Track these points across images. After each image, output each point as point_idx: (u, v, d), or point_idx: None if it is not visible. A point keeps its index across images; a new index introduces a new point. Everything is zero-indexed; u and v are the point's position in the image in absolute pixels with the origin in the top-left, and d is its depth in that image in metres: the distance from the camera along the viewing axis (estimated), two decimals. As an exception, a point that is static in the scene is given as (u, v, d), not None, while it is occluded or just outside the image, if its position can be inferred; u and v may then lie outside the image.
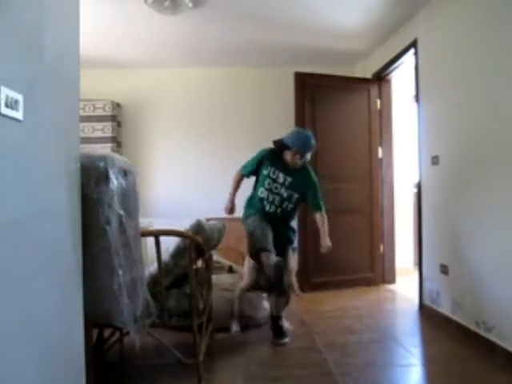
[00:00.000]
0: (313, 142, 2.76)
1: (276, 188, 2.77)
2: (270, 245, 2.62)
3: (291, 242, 2.91)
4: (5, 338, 0.99)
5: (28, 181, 1.11)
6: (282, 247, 2.78)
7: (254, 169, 2.85)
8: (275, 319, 2.76)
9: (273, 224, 2.76)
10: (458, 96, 2.83)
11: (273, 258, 2.55)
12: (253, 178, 2.94)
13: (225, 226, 2.55)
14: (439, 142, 3.08)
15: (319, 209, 2.83)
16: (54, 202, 1.24)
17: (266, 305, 3.03)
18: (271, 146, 2.86)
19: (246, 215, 2.89)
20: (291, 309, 2.94)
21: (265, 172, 2.79)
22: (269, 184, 2.78)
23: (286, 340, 2.68)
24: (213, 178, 4.68)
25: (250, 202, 2.92)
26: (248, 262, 2.86)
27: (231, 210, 2.92)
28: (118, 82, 4.61)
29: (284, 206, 2.79)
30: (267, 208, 2.79)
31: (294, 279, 3.04)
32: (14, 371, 1.03)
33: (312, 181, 2.83)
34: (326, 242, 2.78)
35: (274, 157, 2.80)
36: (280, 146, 2.79)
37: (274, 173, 2.77)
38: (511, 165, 2.31)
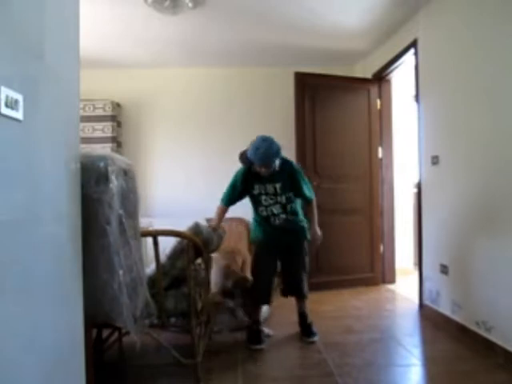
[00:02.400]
0: (271, 150, 2.50)
1: (272, 199, 2.69)
2: (266, 292, 2.72)
3: (306, 238, 2.82)
4: (5, 338, 0.98)
5: (28, 181, 1.11)
6: (297, 250, 2.78)
7: (234, 195, 2.74)
8: (304, 318, 2.81)
9: (287, 239, 2.75)
10: (458, 96, 2.83)
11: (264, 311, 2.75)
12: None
13: (225, 231, 2.56)
14: (439, 141, 3.08)
15: (308, 201, 2.77)
16: (53, 202, 1.24)
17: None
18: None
19: (253, 239, 2.91)
20: (291, 309, 2.94)
21: (255, 192, 2.71)
22: (265, 200, 2.70)
23: (262, 346, 2.63)
24: (213, 177, 4.67)
25: (256, 224, 2.86)
26: (215, 265, 2.81)
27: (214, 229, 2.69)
28: (118, 82, 4.61)
29: (288, 208, 2.74)
30: (275, 222, 2.73)
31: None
32: (14, 371, 1.03)
33: (295, 173, 2.70)
34: (316, 230, 2.76)
35: (251, 173, 2.67)
36: (247, 163, 2.65)
37: (261, 187, 2.68)
38: (511, 164, 2.31)
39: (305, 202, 2.81)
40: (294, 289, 2.81)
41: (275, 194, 2.68)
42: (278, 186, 2.66)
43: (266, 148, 2.50)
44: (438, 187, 3.09)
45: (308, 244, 2.83)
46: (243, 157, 2.66)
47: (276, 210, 2.71)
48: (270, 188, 2.67)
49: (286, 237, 2.75)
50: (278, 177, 2.65)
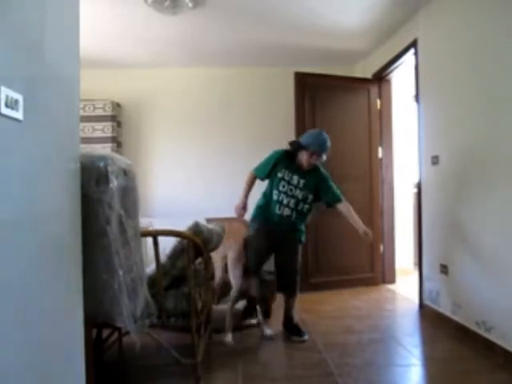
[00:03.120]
0: (329, 143, 2.73)
1: (291, 190, 2.73)
2: (259, 266, 2.80)
3: (301, 242, 2.89)
4: (5, 338, 0.98)
5: (28, 181, 1.11)
6: (292, 249, 2.81)
7: (268, 172, 2.80)
8: (291, 318, 2.85)
9: (283, 231, 2.77)
10: (457, 96, 2.83)
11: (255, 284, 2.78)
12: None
13: (224, 230, 2.56)
14: (439, 142, 3.08)
15: (339, 200, 2.80)
16: (54, 202, 1.24)
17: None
18: (275, 147, 2.89)
19: (253, 218, 2.92)
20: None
21: (279, 175, 2.76)
22: (283, 187, 2.74)
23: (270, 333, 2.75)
24: (213, 177, 4.68)
25: (260, 207, 2.88)
26: (217, 262, 2.87)
27: (242, 210, 2.82)
28: (118, 82, 4.61)
29: (299, 207, 2.77)
30: (282, 211, 2.75)
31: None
32: (14, 371, 1.03)
33: (323, 177, 2.80)
34: (362, 228, 2.77)
35: (287, 158, 2.78)
36: (296, 147, 2.76)
37: (288, 175, 2.74)
38: (511, 164, 2.31)
39: (334, 203, 2.82)
40: (287, 286, 2.83)
41: (296, 186, 2.74)
42: (302, 181, 2.74)
43: (325, 139, 2.72)
44: (438, 187, 3.09)
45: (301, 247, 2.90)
46: (293, 144, 2.80)
47: (286, 200, 2.75)
48: (295, 179, 2.74)
49: (283, 229, 2.77)
50: (307, 174, 2.76)
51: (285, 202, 2.75)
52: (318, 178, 2.79)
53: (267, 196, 2.84)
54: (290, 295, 2.86)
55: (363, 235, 2.76)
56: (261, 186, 2.97)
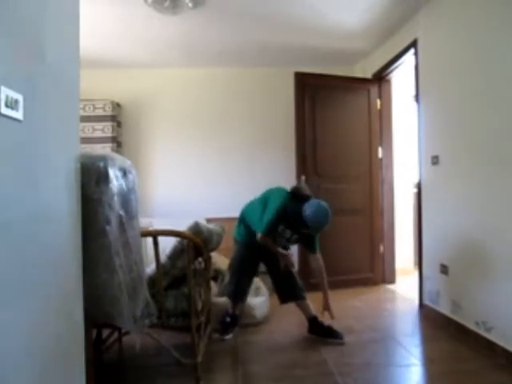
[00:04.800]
0: (328, 221, 2.55)
1: (280, 242, 2.74)
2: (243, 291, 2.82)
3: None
4: (5, 338, 0.98)
5: (28, 181, 1.11)
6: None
7: (274, 229, 2.66)
8: (317, 322, 2.79)
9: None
10: (457, 96, 2.83)
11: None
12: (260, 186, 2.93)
13: (224, 230, 2.55)
14: (439, 142, 3.08)
15: (314, 250, 2.78)
16: (54, 202, 1.24)
17: (263, 304, 3.06)
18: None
19: (237, 239, 2.90)
20: (291, 308, 2.94)
21: (278, 230, 2.73)
22: (274, 237, 2.71)
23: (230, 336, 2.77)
24: (213, 177, 4.68)
25: (246, 233, 2.83)
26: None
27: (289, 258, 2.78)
28: (118, 82, 4.61)
29: (287, 246, 2.85)
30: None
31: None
32: (15, 371, 1.03)
33: (313, 235, 2.74)
34: (329, 306, 2.75)
35: (285, 214, 2.61)
36: (297, 213, 2.56)
37: (283, 230, 2.70)
38: (511, 164, 2.31)
39: (309, 252, 2.83)
40: (289, 294, 2.81)
41: (288, 240, 2.76)
42: (294, 237, 2.74)
43: (326, 223, 2.55)
44: (438, 187, 3.09)
45: None
46: (297, 195, 2.66)
47: (277, 244, 2.76)
48: (288, 233, 2.72)
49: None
50: (298, 227, 2.65)
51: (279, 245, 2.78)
52: (309, 235, 2.72)
53: (252, 233, 2.75)
54: (297, 301, 2.82)
55: (323, 309, 2.76)
56: (260, 188, 2.97)
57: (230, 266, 2.89)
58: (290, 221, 2.63)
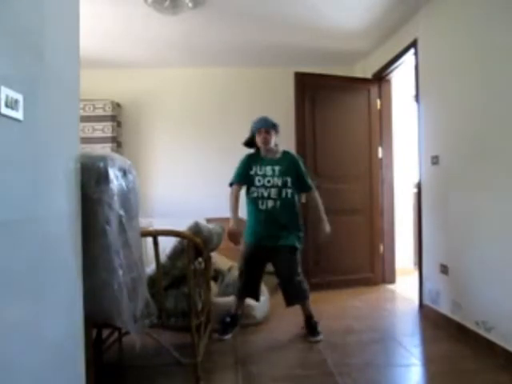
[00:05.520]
0: (269, 118, 2.85)
1: (269, 182, 2.77)
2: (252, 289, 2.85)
3: (297, 249, 2.79)
4: (5, 338, 0.98)
5: (28, 181, 1.11)
6: (287, 259, 2.75)
7: (243, 175, 2.84)
8: (310, 319, 2.84)
9: (273, 237, 2.73)
10: (457, 96, 2.83)
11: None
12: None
13: (224, 230, 2.55)
14: (439, 141, 3.08)
15: (309, 189, 2.86)
16: (53, 202, 1.24)
17: (263, 304, 3.06)
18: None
19: (245, 241, 2.91)
20: (291, 309, 2.94)
21: (252, 172, 2.82)
22: (259, 181, 2.79)
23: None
24: (213, 177, 4.67)
25: (248, 224, 2.88)
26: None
27: (238, 234, 2.74)
28: (118, 82, 4.61)
29: (283, 194, 2.76)
30: (265, 206, 2.74)
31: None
32: (14, 371, 1.03)
33: (294, 161, 2.87)
34: (326, 228, 2.80)
35: (254, 157, 2.90)
36: (249, 141, 2.93)
37: (260, 169, 2.81)
38: (511, 164, 2.31)
39: (304, 191, 2.91)
40: (294, 298, 2.80)
41: (273, 175, 2.78)
42: (277, 168, 2.79)
43: (264, 116, 2.87)
44: (438, 187, 3.09)
45: (300, 249, 2.82)
46: (246, 140, 2.97)
47: (267, 193, 2.76)
48: (268, 169, 2.80)
49: (273, 233, 2.74)
50: (280, 161, 2.83)
51: (265, 194, 2.76)
52: (291, 161, 2.85)
53: (249, 204, 2.85)
54: (300, 304, 2.83)
55: (323, 236, 2.81)
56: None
57: (239, 266, 2.91)
58: (257, 156, 2.88)
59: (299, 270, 2.77)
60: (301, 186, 2.85)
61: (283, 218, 2.77)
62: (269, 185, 2.76)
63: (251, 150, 2.98)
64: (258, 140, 2.84)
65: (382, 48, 4.07)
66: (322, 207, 2.84)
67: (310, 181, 2.87)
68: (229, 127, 4.72)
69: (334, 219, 3.88)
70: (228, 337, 2.78)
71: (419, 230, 3.42)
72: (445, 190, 3.00)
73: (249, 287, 2.85)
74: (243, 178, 2.85)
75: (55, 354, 1.24)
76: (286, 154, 2.90)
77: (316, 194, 2.87)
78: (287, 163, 2.82)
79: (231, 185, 2.88)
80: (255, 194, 2.79)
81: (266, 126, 2.82)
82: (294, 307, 2.87)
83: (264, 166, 2.81)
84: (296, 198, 2.84)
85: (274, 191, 2.76)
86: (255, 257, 2.82)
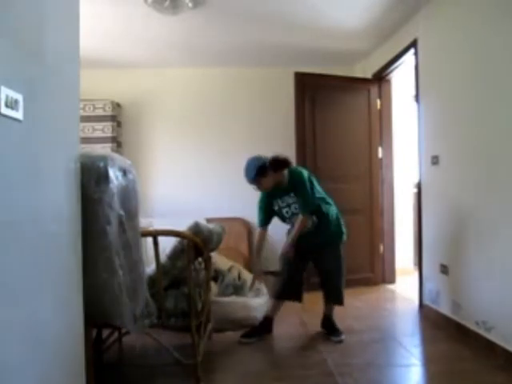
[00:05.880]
0: (249, 169, 2.62)
1: (296, 208, 2.69)
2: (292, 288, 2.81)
3: (338, 243, 2.80)
4: (5, 338, 0.98)
5: (28, 181, 1.11)
6: (328, 256, 2.77)
7: (265, 215, 2.77)
8: (331, 319, 2.83)
9: (316, 241, 2.74)
10: (457, 96, 2.83)
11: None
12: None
13: (224, 230, 2.55)
14: (439, 142, 3.08)
15: (301, 211, 2.69)
16: (54, 202, 1.24)
17: (263, 304, 3.06)
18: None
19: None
20: (291, 309, 2.94)
21: (275, 208, 2.76)
22: (287, 212, 2.73)
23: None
24: (213, 177, 4.68)
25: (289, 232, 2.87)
26: None
27: (258, 277, 2.83)
28: (118, 82, 4.61)
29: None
30: (304, 229, 2.72)
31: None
32: (15, 371, 1.03)
33: (297, 184, 2.68)
34: (286, 244, 2.73)
35: (268, 193, 2.73)
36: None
37: (282, 201, 2.72)
38: (511, 164, 2.31)
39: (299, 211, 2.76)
40: (325, 292, 2.82)
41: (294, 201, 2.70)
42: (292, 194, 2.69)
43: (246, 167, 2.65)
44: (438, 187, 3.09)
45: (342, 246, 2.83)
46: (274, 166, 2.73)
47: (295, 216, 2.71)
48: (287, 199, 2.70)
49: (317, 240, 2.73)
50: (290, 187, 2.68)
51: (294, 217, 2.72)
52: (293, 186, 2.68)
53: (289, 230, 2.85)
54: (335, 304, 2.84)
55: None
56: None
57: (280, 265, 2.86)
58: (270, 192, 2.72)
59: (342, 271, 2.80)
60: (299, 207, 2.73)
61: (319, 233, 2.75)
62: (296, 211, 2.70)
63: None
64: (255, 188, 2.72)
65: (382, 48, 4.07)
66: (295, 232, 2.68)
67: (304, 205, 2.67)
68: (229, 127, 4.72)
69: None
70: (247, 340, 2.68)
71: (419, 230, 3.42)
72: (445, 189, 3.00)
73: (290, 288, 2.79)
74: (268, 220, 2.79)
75: (55, 353, 1.24)
76: (291, 177, 2.69)
77: (302, 219, 2.67)
78: (293, 188, 2.69)
79: (259, 225, 2.82)
80: (291, 225, 2.78)
81: (252, 182, 2.65)
82: (293, 307, 2.88)
83: (283, 197, 2.71)
84: (326, 207, 2.77)
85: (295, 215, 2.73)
86: (297, 253, 2.74)
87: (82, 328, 1.42)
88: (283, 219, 2.80)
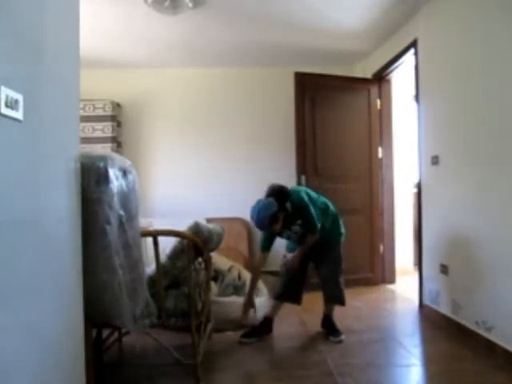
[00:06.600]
0: (260, 218, 2.52)
1: (303, 234, 2.73)
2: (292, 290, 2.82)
3: (336, 244, 2.84)
4: (5, 338, 0.98)
5: (28, 181, 1.11)
6: (326, 257, 2.79)
7: (269, 241, 2.77)
8: (330, 319, 2.84)
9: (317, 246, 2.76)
10: (457, 96, 2.83)
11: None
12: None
13: (224, 230, 2.55)
14: (439, 141, 3.08)
15: (312, 232, 2.70)
16: (53, 202, 1.24)
17: (263, 304, 3.05)
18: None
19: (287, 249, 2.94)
20: (291, 309, 2.94)
21: (284, 236, 2.79)
22: (289, 237, 2.79)
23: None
24: (213, 177, 4.68)
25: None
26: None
27: (247, 309, 2.77)
28: (118, 82, 4.61)
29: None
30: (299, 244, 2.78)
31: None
32: (14, 371, 1.03)
33: (302, 211, 2.67)
34: (292, 256, 2.76)
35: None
36: None
37: (290, 230, 2.73)
38: (511, 164, 2.31)
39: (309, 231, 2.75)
40: (325, 293, 2.83)
41: (298, 230, 2.73)
42: (299, 222, 2.69)
43: (257, 214, 2.53)
44: (438, 187, 3.09)
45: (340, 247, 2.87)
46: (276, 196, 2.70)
47: (300, 241, 2.76)
48: (294, 228, 2.72)
49: (317, 242, 2.74)
50: (296, 216, 2.66)
51: (304, 240, 2.75)
52: (299, 214, 2.67)
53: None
54: (335, 304, 2.85)
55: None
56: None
57: (281, 267, 2.89)
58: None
59: (339, 271, 2.82)
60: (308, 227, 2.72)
61: (326, 236, 2.78)
62: (301, 235, 2.74)
63: None
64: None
65: (382, 48, 4.07)
66: (307, 245, 2.73)
67: (315, 225, 2.67)
68: (229, 127, 4.73)
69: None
70: (248, 340, 2.68)
71: (419, 230, 3.42)
72: (445, 190, 3.00)
73: (289, 290, 2.81)
74: (271, 245, 2.78)
75: (55, 353, 1.24)
76: (293, 206, 2.64)
77: (312, 237, 2.71)
78: (299, 215, 2.67)
79: (261, 250, 2.82)
80: (297, 246, 2.80)
81: (262, 228, 2.63)
82: (293, 307, 2.88)
83: (292, 227, 2.71)
84: (325, 220, 2.78)
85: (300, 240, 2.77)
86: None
87: (82, 328, 1.42)
88: (289, 243, 2.88)
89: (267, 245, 2.77)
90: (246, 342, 2.68)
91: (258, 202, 2.59)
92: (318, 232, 2.70)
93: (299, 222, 2.69)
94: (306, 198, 2.69)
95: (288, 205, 2.63)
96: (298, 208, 2.66)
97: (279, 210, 2.56)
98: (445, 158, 2.99)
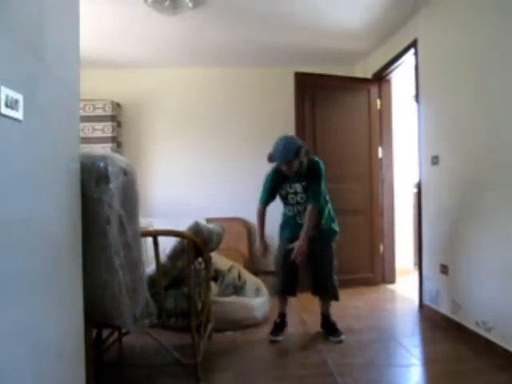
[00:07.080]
0: (288, 148, 2.55)
1: (302, 198, 2.72)
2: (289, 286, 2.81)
3: (331, 241, 2.82)
4: (5, 338, 0.98)
5: (28, 181, 1.11)
6: (321, 253, 2.76)
7: (269, 195, 2.78)
8: (327, 318, 2.84)
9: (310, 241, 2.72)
10: (458, 96, 2.83)
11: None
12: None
13: (224, 230, 2.55)
14: (439, 141, 3.08)
15: (311, 201, 2.68)
16: (53, 202, 1.24)
17: (263, 304, 3.06)
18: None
19: (280, 235, 2.91)
20: (291, 309, 2.94)
21: (283, 192, 2.77)
22: (292, 199, 2.76)
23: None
24: (213, 177, 4.68)
25: (284, 222, 2.90)
26: None
27: (265, 250, 2.80)
28: (118, 82, 4.61)
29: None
30: (302, 220, 2.73)
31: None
32: (15, 371, 1.03)
33: (315, 174, 2.70)
34: (300, 242, 2.62)
35: (280, 173, 2.72)
36: (272, 161, 2.73)
37: (291, 187, 2.74)
38: (511, 164, 2.31)
39: (308, 201, 2.73)
40: (319, 289, 2.82)
41: (302, 191, 2.72)
42: (304, 184, 2.70)
43: (283, 146, 2.58)
44: (438, 187, 3.09)
45: (335, 246, 2.84)
46: (271, 157, 2.70)
47: (302, 208, 2.74)
48: (298, 186, 2.72)
49: (313, 242, 2.71)
50: (305, 176, 2.69)
51: (301, 209, 2.74)
52: (311, 174, 2.69)
53: (285, 214, 2.87)
54: (323, 299, 2.86)
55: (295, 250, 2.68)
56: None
57: (275, 264, 2.90)
58: (283, 174, 2.69)
59: (333, 269, 2.80)
60: (308, 194, 2.71)
61: (315, 238, 2.75)
62: (301, 201, 2.73)
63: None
64: (284, 169, 2.67)
65: (382, 48, 4.07)
66: (308, 225, 2.65)
67: (314, 195, 2.67)
68: (229, 127, 4.73)
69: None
70: (281, 338, 2.73)
71: (419, 230, 3.42)
72: (445, 190, 3.00)
73: (288, 283, 2.82)
74: (270, 199, 2.79)
75: (55, 353, 1.24)
76: (311, 165, 2.68)
77: (313, 211, 2.66)
78: (310, 177, 2.69)
79: (260, 203, 2.81)
80: (291, 213, 2.79)
81: (286, 162, 2.61)
82: (293, 307, 2.88)
83: (294, 184, 2.72)
84: (326, 206, 2.79)
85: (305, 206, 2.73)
86: (291, 252, 2.71)
87: (83, 328, 1.42)
88: (286, 203, 2.82)
89: (267, 199, 2.78)
90: (277, 339, 2.72)
91: (282, 137, 2.64)
92: (317, 207, 2.68)
93: (304, 183, 2.70)
94: (324, 169, 2.73)
95: (305, 160, 2.65)
96: (312, 170, 2.69)
97: (301, 153, 2.59)
98: (445, 158, 2.99)
